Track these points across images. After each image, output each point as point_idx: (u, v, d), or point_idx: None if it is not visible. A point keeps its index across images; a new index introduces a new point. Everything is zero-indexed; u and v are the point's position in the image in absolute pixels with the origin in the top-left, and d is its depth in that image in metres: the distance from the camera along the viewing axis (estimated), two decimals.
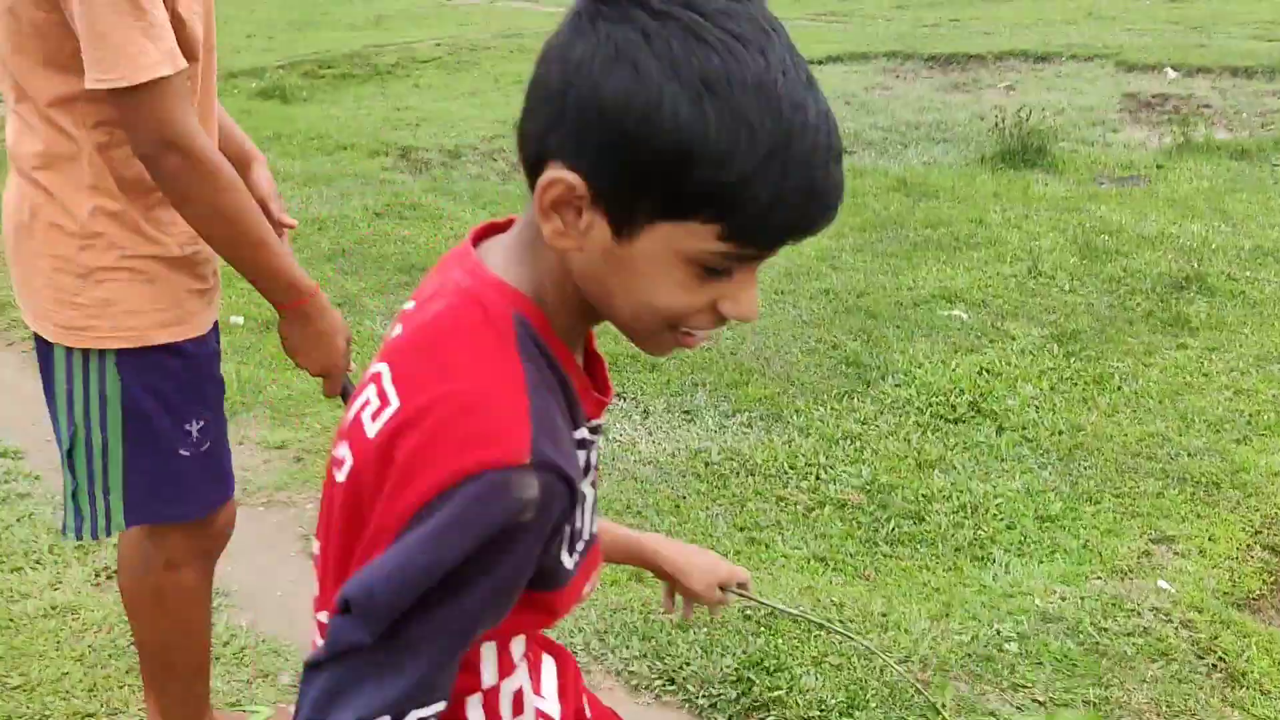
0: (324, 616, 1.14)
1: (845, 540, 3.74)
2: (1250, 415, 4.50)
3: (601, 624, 3.01)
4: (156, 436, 2.00)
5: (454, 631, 0.99)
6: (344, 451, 1.08)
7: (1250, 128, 10.44)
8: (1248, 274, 6.14)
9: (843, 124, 10.82)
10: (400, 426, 0.99)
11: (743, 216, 0.95)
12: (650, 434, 4.65)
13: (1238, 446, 4.23)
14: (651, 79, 0.91)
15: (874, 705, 2.61)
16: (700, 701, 2.70)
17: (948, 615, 3.08)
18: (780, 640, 2.89)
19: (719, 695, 2.71)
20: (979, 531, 3.77)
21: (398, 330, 1.09)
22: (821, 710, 2.61)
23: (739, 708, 2.67)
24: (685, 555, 1.60)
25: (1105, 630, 3.00)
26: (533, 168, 1.00)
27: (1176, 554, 3.54)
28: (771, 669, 2.76)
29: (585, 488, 1.14)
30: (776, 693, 2.68)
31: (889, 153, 9.85)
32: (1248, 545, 3.60)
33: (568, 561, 1.13)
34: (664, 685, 2.79)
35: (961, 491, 4.03)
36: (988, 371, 5.04)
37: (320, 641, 1.06)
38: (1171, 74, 13.31)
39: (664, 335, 1.08)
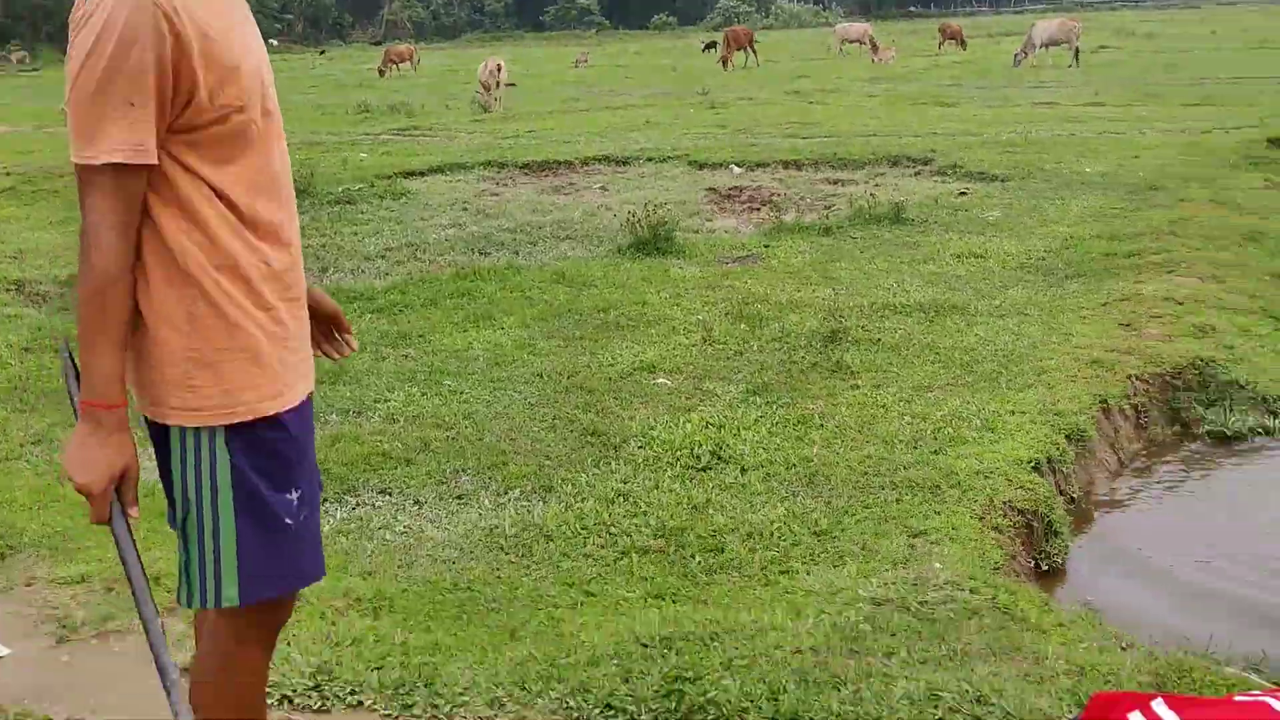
0: None
1: (667, 578, 4.14)
2: (933, 432, 5.43)
3: (521, 673, 3.21)
4: (264, 508, 2.04)
5: None
6: None
7: (816, 210, 12.12)
8: (877, 325, 7.27)
9: (467, 228, 11.45)
10: None
11: None
12: (433, 522, 4.80)
13: (936, 457, 5.11)
14: None
15: (792, 689, 3.03)
16: (644, 717, 2.99)
17: (798, 615, 3.57)
18: (693, 652, 3.24)
19: (658, 709, 3.01)
20: (772, 551, 4.31)
21: None
22: (751, 701, 2.99)
23: (679, 715, 2.99)
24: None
25: (925, 603, 3.62)
26: None
27: (932, 543, 4.27)
28: (691, 678, 3.11)
29: None
30: (705, 697, 3.03)
31: (523, 251, 10.42)
32: (979, 529, 4.41)
33: None
34: (602, 713, 3.04)
35: (741, 523, 4.57)
36: (711, 425, 5.66)
37: None
38: (737, 169, 15.13)
39: None
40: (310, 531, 2.18)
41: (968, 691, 3.00)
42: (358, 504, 4.99)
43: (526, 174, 15.41)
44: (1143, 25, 52.70)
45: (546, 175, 15.38)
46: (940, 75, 30.13)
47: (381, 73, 39.94)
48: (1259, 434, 5.71)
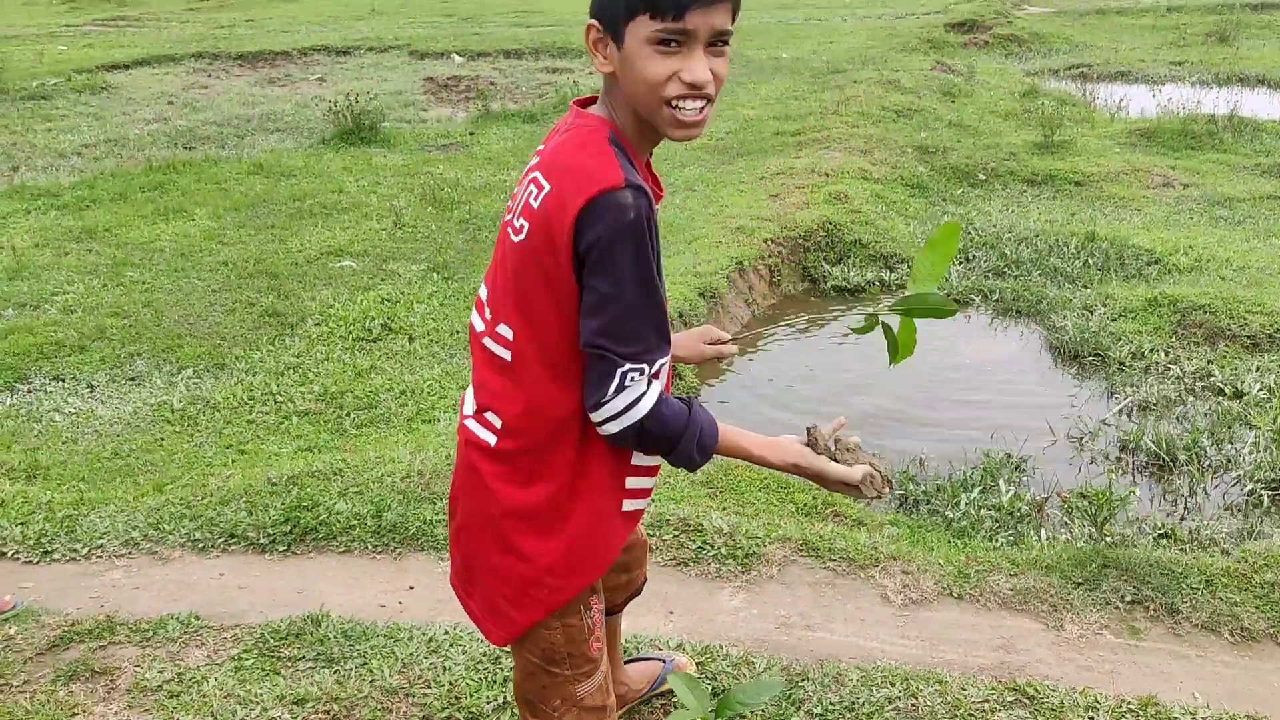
0: (505, 331, 1.71)
1: (320, 434, 4.54)
2: None
3: (157, 517, 3.56)
4: None
5: (660, 301, 1.61)
6: (520, 221, 1.66)
7: (531, 98, 12.47)
8: None
9: (172, 123, 11.25)
10: (550, 196, 1.61)
11: (654, 5, 1.59)
12: (104, 402, 5.02)
13: None
14: None
15: (395, 507, 3.51)
16: (263, 541, 3.41)
17: (420, 451, 4.04)
18: (315, 486, 3.66)
19: (276, 534, 3.44)
20: (421, 405, 4.76)
21: (535, 160, 1.70)
22: (359, 519, 3.46)
23: (294, 537, 3.43)
24: (677, 337, 2.15)
25: None
26: (605, 27, 1.63)
27: None
28: (309, 506, 3.54)
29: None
30: (319, 520, 3.48)
31: (229, 145, 10.36)
32: None
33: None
34: (226, 542, 3.44)
35: (397, 384, 5.00)
36: (388, 300, 6.04)
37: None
38: (458, 59, 15.24)
39: (663, 111, 1.65)
40: None
41: None
42: (29, 390, 5.13)
43: (241, 65, 15.04)
44: None
45: (262, 66, 15.06)
46: None
47: None
48: (876, 285, 6.53)
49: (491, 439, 1.75)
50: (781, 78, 12.20)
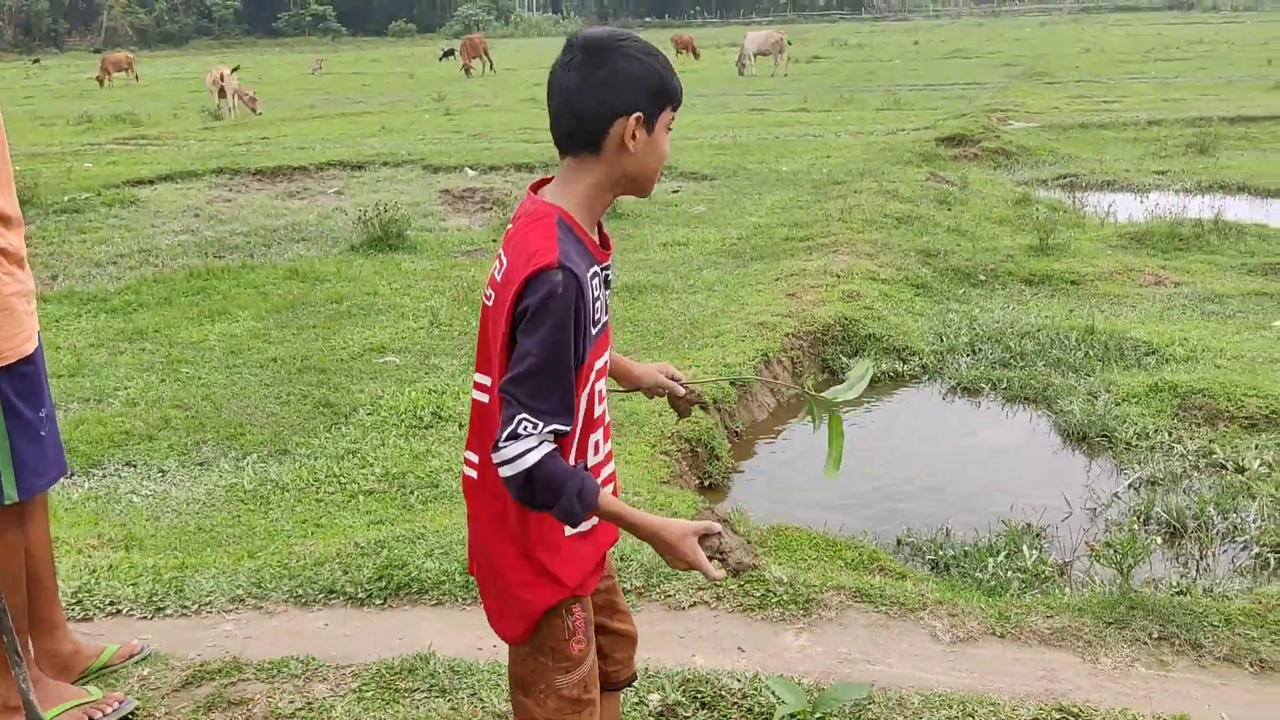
0: (484, 379, 2.07)
1: (389, 510, 4.86)
2: None
3: (258, 578, 3.87)
4: (26, 424, 2.68)
5: (569, 374, 1.95)
6: (489, 290, 2.04)
7: None
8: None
9: (201, 233, 11.72)
10: (505, 271, 2.00)
11: (675, 99, 2.08)
12: (176, 485, 5.34)
13: (623, 403, 6.03)
14: (642, 62, 2.02)
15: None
16: (360, 595, 3.72)
17: None
18: (401, 548, 3.98)
19: (373, 589, 3.75)
20: None
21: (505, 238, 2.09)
22: (447, 575, 3.77)
23: (389, 591, 3.74)
24: (642, 365, 2.54)
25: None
26: (591, 133, 2.01)
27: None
28: (399, 565, 3.86)
29: (599, 290, 2.07)
30: (410, 576, 3.79)
31: (257, 253, 10.81)
32: (651, 454, 5.34)
33: (591, 332, 2.06)
34: (326, 597, 3.74)
35: (455, 464, 5.32)
36: (434, 391, 6.39)
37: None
38: (471, 172, 15.87)
39: (657, 176, 2.11)
40: (54, 437, 2.87)
41: (615, 554, 3.87)
42: (104, 475, 5.45)
43: (260, 180, 15.63)
44: (855, 36, 56.74)
45: (281, 181, 15.64)
46: None
47: (100, 82, 38.42)
48: (890, 377, 6.93)
49: (474, 473, 2.14)
50: (784, 188, 12.80)
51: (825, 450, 2.32)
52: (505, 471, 1.89)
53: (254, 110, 25.35)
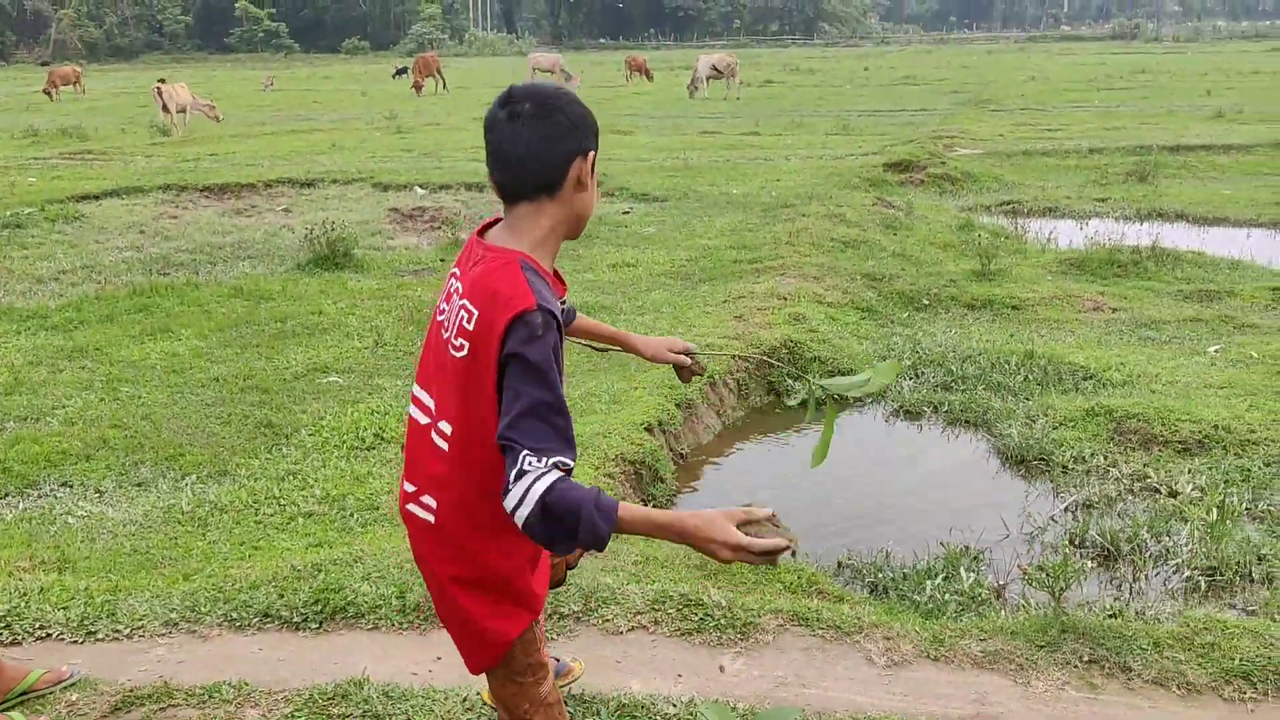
0: (445, 426, 2.09)
1: (328, 532, 4.82)
2: (570, 407, 6.34)
3: (193, 601, 3.82)
4: None
5: (565, 409, 1.97)
6: (460, 340, 2.03)
7: None
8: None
9: (146, 250, 11.58)
10: (480, 321, 2.00)
11: (598, 144, 2.12)
12: (113, 506, 5.26)
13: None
14: (583, 107, 2.09)
15: (417, 589, 3.80)
16: (296, 620, 3.68)
17: None
18: (339, 571, 3.95)
19: (308, 613, 3.71)
20: None
21: (457, 285, 2.09)
22: (384, 599, 3.75)
23: (324, 615, 3.71)
24: (645, 338, 2.75)
25: None
26: (555, 175, 2.06)
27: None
28: (336, 589, 3.83)
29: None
30: (347, 600, 3.76)
31: (203, 271, 10.70)
32: (595, 476, 5.35)
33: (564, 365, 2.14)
34: (261, 620, 3.71)
35: (396, 487, 5.29)
36: (377, 412, 6.36)
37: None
38: (421, 191, 15.81)
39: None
40: None
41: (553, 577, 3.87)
42: (39, 496, 5.36)
43: (208, 197, 15.48)
44: (807, 62, 57.30)
45: (229, 198, 15.50)
46: (622, 105, 31.89)
47: (48, 95, 37.93)
48: (834, 399, 6.98)
49: (429, 516, 2.16)
50: (734, 211, 12.88)
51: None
52: (521, 514, 1.83)
53: (215, 118, 25.12)
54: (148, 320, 8.42)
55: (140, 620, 3.73)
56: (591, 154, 2.10)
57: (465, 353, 2.03)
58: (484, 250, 2.11)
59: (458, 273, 2.16)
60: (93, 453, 5.82)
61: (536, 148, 2.05)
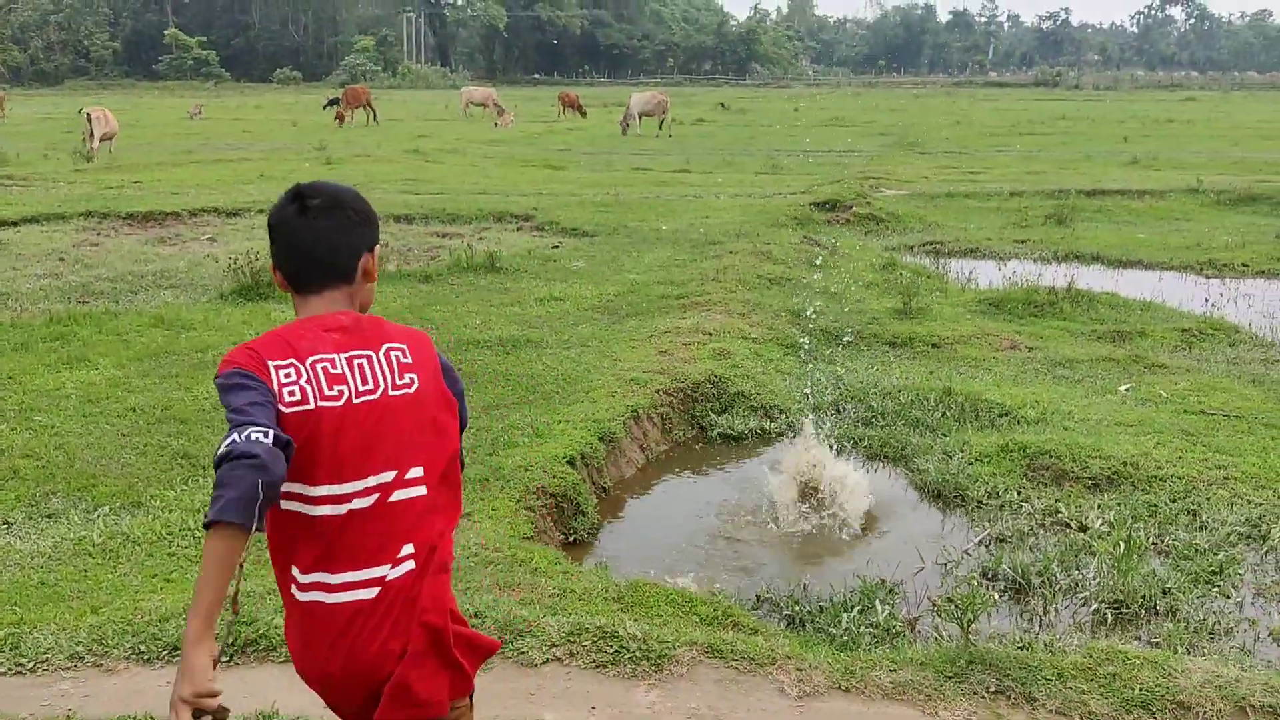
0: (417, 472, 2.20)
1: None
2: (491, 440, 6.33)
3: (100, 634, 3.74)
4: None
5: None
6: (409, 376, 2.14)
7: (424, 260, 12.95)
8: (459, 357, 8.15)
9: (65, 278, 11.34)
10: (417, 353, 2.15)
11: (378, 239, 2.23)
12: (21, 538, 5.14)
13: (490, 458, 6.02)
14: (369, 205, 2.23)
15: None
16: None
17: None
18: (254, 604, 3.90)
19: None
20: None
21: (341, 336, 2.14)
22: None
23: (235, 649, 3.66)
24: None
25: (476, 558, 4.48)
26: (350, 268, 2.19)
27: (475, 522, 5.15)
28: (248, 621, 3.78)
29: None
30: (259, 633, 3.72)
31: (123, 300, 10.52)
32: (514, 509, 5.34)
33: None
34: (170, 654, 3.64)
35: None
36: None
37: None
38: None
39: None
40: None
41: (468, 609, 3.87)
42: None
43: (130, 225, 15.24)
44: (739, 101, 58.11)
45: (152, 226, 15.28)
46: (555, 140, 32.08)
47: None
48: (758, 434, 7.07)
49: (447, 561, 2.21)
50: (663, 247, 13.00)
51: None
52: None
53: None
54: (64, 349, 8.25)
55: (45, 653, 3.65)
56: (376, 248, 2.28)
57: (417, 385, 2.19)
58: (341, 315, 2.21)
59: (337, 337, 2.17)
60: (2, 483, 5.69)
61: (335, 240, 2.21)
